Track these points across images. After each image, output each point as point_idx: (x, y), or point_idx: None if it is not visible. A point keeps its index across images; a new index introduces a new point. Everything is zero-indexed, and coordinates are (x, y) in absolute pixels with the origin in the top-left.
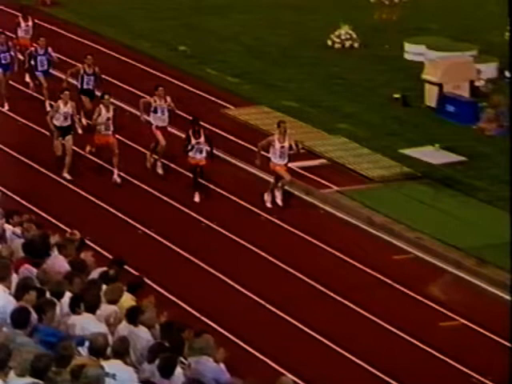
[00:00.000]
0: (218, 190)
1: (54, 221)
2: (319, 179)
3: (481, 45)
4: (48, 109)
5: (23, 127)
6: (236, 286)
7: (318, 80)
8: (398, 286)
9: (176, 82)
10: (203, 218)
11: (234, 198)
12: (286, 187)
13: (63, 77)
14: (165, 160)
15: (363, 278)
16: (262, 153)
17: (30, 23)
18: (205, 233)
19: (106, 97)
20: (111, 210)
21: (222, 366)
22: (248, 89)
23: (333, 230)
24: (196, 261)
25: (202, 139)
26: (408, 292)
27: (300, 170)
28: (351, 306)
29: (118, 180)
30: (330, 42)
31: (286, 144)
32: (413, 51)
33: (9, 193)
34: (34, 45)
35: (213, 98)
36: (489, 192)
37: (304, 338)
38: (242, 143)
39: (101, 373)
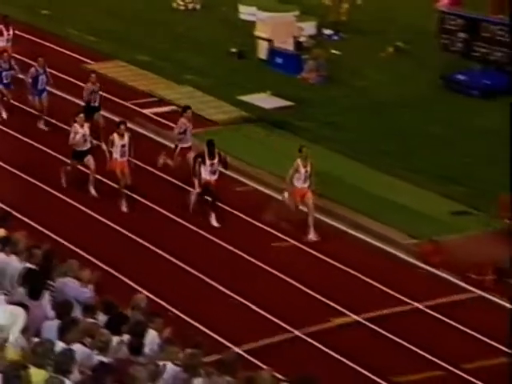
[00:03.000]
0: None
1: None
2: (170, 123)
3: (301, 7)
4: (42, 127)
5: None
6: (101, 218)
7: (166, 37)
8: (238, 214)
9: (41, 41)
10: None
11: None
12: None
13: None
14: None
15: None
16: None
17: (11, 32)
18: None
19: (122, 127)
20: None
21: (90, 286)
22: (106, 46)
23: (180, 167)
24: (64, 197)
25: (216, 160)
26: (247, 218)
27: (153, 116)
28: (196, 229)
29: (125, 209)
30: (175, 5)
31: (309, 168)
32: (246, 12)
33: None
34: (34, 64)
35: (74, 55)
36: (312, 132)
37: (161, 260)
38: (101, 94)
39: None
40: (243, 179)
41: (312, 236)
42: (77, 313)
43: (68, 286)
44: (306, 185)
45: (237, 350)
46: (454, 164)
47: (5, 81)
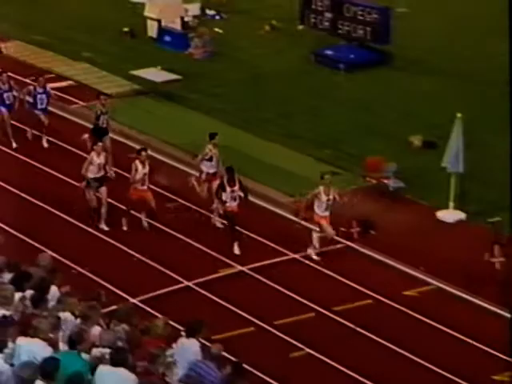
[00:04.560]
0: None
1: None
2: (69, 97)
3: None
4: (45, 145)
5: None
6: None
7: (61, 18)
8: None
9: None
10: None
11: None
12: None
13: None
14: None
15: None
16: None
17: None
18: None
19: (144, 153)
20: None
21: None
22: (7, 28)
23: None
24: None
25: (237, 187)
26: None
27: (52, 91)
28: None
29: (146, 224)
30: None
31: (331, 196)
32: None
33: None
34: (33, 83)
35: None
36: (199, 102)
37: (65, 223)
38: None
39: None
40: (137, 146)
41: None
42: None
43: None
44: (326, 213)
45: (133, 300)
46: (324, 130)
47: (7, 101)
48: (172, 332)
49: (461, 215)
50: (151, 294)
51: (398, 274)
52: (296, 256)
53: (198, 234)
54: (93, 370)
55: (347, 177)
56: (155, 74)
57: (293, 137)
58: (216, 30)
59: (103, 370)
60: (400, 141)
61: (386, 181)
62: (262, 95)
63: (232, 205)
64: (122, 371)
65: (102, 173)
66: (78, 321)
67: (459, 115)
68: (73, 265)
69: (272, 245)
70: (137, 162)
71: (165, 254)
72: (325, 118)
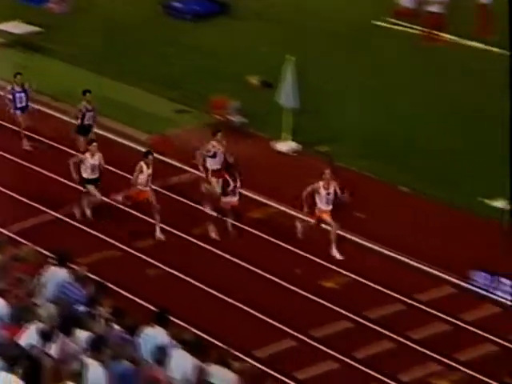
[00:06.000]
0: None
1: None
2: None
3: None
4: (27, 147)
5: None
6: None
7: None
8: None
9: None
10: None
11: None
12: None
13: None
14: None
15: None
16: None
17: None
18: None
19: (150, 157)
20: None
21: None
22: None
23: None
24: None
25: (239, 183)
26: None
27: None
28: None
29: (162, 237)
30: None
31: (331, 190)
32: None
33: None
34: (12, 82)
35: None
36: (60, 52)
37: None
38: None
39: None
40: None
41: (335, 253)
42: None
43: None
44: (329, 207)
45: (5, 232)
46: (174, 73)
47: None
48: (42, 259)
49: (295, 146)
50: (22, 226)
51: (243, 198)
52: (156, 187)
53: (59, 168)
54: None
55: (196, 114)
56: (17, 27)
57: (146, 80)
58: None
59: None
60: (241, 81)
61: (230, 117)
62: (118, 44)
63: (232, 200)
64: None
65: (96, 174)
66: None
67: (291, 57)
68: None
69: (126, 175)
70: (142, 163)
71: (35, 189)
72: (174, 63)
